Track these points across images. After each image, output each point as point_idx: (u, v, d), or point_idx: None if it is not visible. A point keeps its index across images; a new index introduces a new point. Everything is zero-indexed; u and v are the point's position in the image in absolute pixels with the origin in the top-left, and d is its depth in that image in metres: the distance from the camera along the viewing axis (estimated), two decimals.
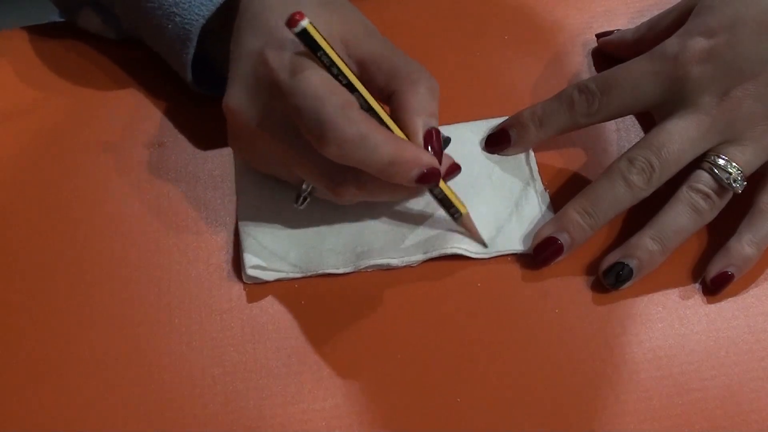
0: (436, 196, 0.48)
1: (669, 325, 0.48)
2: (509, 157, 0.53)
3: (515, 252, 0.50)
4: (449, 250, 0.49)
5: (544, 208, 0.51)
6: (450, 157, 0.48)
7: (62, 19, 0.61)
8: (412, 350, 0.47)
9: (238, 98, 0.46)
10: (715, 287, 0.48)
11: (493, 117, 0.55)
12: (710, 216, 0.49)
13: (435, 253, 0.49)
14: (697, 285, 0.49)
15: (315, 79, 0.43)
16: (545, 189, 0.52)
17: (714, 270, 0.49)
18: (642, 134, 0.55)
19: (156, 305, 0.48)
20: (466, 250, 0.49)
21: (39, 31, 0.60)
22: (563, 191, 0.53)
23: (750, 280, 0.49)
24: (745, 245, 0.48)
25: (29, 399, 0.45)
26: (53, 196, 0.52)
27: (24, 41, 0.60)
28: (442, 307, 0.48)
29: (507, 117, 0.54)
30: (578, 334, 0.47)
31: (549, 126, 0.52)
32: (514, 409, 0.45)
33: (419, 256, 0.49)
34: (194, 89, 0.54)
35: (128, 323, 0.47)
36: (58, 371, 0.46)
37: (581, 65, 0.58)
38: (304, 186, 0.47)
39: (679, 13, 0.53)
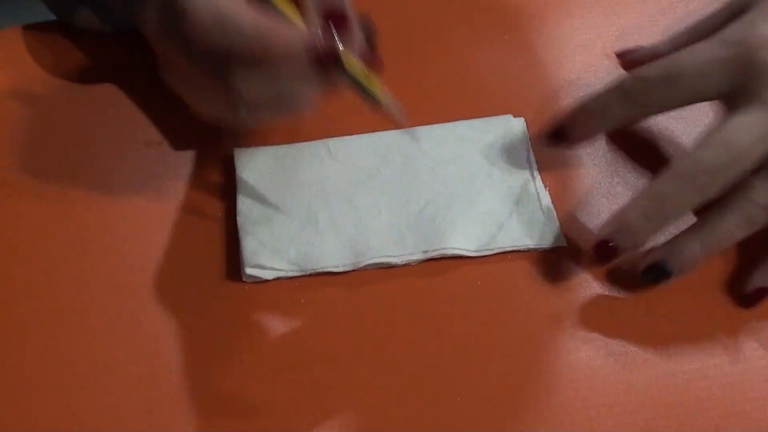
0: (351, 82, 0.45)
1: (669, 324, 0.47)
2: (509, 156, 0.53)
3: (516, 249, 0.50)
4: (449, 251, 0.49)
5: (544, 206, 0.51)
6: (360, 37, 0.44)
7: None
8: (411, 349, 0.46)
9: (149, 18, 0.45)
10: (752, 301, 0.47)
11: (492, 115, 0.55)
12: (757, 227, 0.45)
13: (435, 254, 0.49)
14: (694, 282, 0.49)
15: None
16: (545, 187, 0.52)
17: (754, 284, 0.47)
18: (645, 133, 0.54)
19: (155, 305, 0.48)
20: (466, 250, 0.49)
21: (36, 30, 0.60)
22: (564, 190, 0.53)
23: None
24: None
25: (28, 399, 0.45)
26: (51, 196, 0.52)
27: (22, 40, 0.59)
28: (443, 306, 0.48)
29: (508, 115, 0.54)
30: (578, 333, 0.47)
31: (604, 120, 0.49)
32: (514, 408, 0.45)
33: (419, 255, 0.49)
34: None
35: (127, 323, 0.47)
36: (57, 372, 0.46)
37: (586, 66, 0.58)
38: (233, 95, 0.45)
39: (729, 14, 0.48)
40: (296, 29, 0.42)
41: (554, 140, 0.52)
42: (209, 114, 0.48)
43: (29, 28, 0.60)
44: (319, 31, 0.42)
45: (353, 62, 0.44)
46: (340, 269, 0.49)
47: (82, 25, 0.58)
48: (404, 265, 0.49)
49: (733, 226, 0.45)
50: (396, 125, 0.46)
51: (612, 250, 0.46)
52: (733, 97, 0.45)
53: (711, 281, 0.49)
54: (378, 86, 0.45)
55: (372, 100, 0.45)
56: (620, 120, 0.49)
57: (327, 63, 0.42)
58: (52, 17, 0.61)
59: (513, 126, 0.54)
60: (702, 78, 0.45)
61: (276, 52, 0.41)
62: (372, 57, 0.45)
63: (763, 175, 0.45)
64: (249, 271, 0.48)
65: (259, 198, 0.51)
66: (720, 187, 0.44)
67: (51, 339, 0.47)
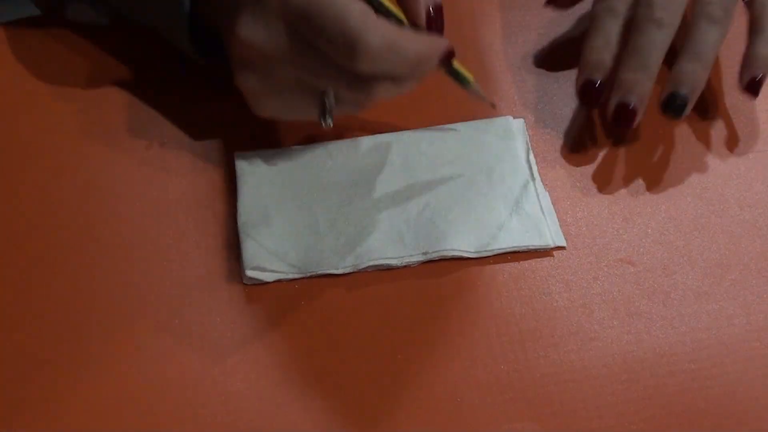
0: (446, 71, 0.49)
1: (669, 324, 0.48)
2: (509, 157, 0.53)
3: (516, 250, 0.50)
4: (449, 253, 0.49)
5: (544, 206, 0.51)
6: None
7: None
8: (411, 350, 0.47)
9: (249, 25, 0.45)
10: (752, 92, 0.52)
11: (492, 116, 0.55)
12: (727, 23, 0.52)
13: (434, 255, 0.49)
14: (695, 282, 0.49)
15: None
16: (545, 188, 0.52)
17: (745, 79, 0.52)
18: (644, 133, 0.55)
19: (156, 305, 0.48)
20: (466, 251, 0.49)
21: (35, 28, 0.60)
22: (564, 190, 0.53)
23: (750, 277, 0.49)
24: (761, 48, 0.52)
25: (27, 399, 0.45)
26: (52, 196, 0.52)
27: (19, 38, 0.59)
28: (442, 307, 0.48)
29: (508, 116, 0.55)
30: (578, 333, 0.47)
31: (613, 42, 0.53)
32: (514, 408, 0.45)
33: (419, 257, 0.49)
34: (192, 55, 0.53)
35: (128, 323, 0.47)
36: (57, 372, 0.46)
37: None
38: (327, 100, 0.46)
39: None
40: (433, 39, 0.45)
41: (588, 99, 0.54)
42: (281, 116, 0.50)
43: (28, 25, 0.60)
44: (443, 38, 0.46)
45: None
46: (340, 271, 0.49)
47: (75, 19, 0.57)
48: (404, 266, 0.49)
49: (702, 31, 0.51)
50: (486, 104, 0.51)
51: (630, 113, 0.51)
52: None
53: (712, 286, 0.49)
54: (465, 70, 0.49)
55: (463, 81, 0.49)
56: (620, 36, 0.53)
57: (445, 62, 0.46)
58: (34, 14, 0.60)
59: (513, 126, 0.54)
60: None
61: (424, 68, 0.45)
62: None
63: None
64: (249, 273, 0.48)
65: (260, 200, 0.51)
66: (677, 16, 0.51)
67: (50, 339, 0.47)
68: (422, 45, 0.44)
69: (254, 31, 0.45)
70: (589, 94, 0.53)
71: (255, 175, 0.52)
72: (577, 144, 0.54)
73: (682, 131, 0.54)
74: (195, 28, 0.52)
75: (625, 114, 0.51)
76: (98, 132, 0.55)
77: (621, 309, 0.48)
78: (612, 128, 0.54)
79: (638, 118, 0.51)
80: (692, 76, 0.51)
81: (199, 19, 0.52)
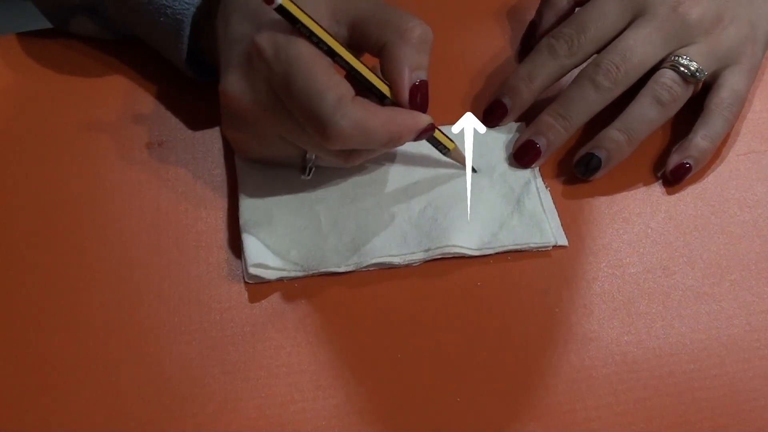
0: (426, 139, 0.50)
1: (669, 324, 0.48)
2: (510, 156, 0.53)
3: (517, 249, 0.50)
4: (451, 250, 0.49)
5: (545, 205, 0.51)
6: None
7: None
8: (412, 349, 0.47)
9: (236, 83, 0.46)
10: (674, 178, 0.53)
11: None
12: (673, 108, 0.52)
13: (436, 253, 0.49)
14: (694, 282, 0.49)
15: (311, 74, 0.44)
16: (546, 186, 0.52)
17: (673, 162, 0.52)
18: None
19: (156, 305, 0.48)
20: (468, 248, 0.49)
21: (35, 33, 0.60)
22: (564, 188, 0.53)
23: (750, 277, 0.49)
24: (699, 139, 0.52)
25: (26, 398, 0.45)
26: (52, 196, 0.52)
27: (20, 43, 0.60)
28: (443, 306, 0.48)
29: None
30: (578, 333, 0.47)
31: (538, 78, 0.54)
32: (514, 408, 0.45)
33: (420, 255, 0.49)
34: (192, 77, 0.55)
35: (128, 323, 0.47)
36: (57, 371, 0.46)
37: None
38: (308, 155, 0.49)
39: None
40: (411, 117, 0.46)
41: (494, 118, 0.55)
42: (264, 161, 0.52)
43: (26, 35, 0.60)
44: (423, 115, 0.47)
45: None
46: (343, 269, 0.49)
47: (78, 33, 0.59)
48: (406, 265, 0.49)
49: (646, 109, 0.52)
50: (464, 166, 0.53)
51: (535, 151, 0.53)
52: (631, 23, 0.53)
53: (714, 285, 0.49)
54: (446, 138, 0.51)
55: (442, 149, 0.51)
56: (551, 75, 0.54)
57: (424, 137, 0.48)
58: (48, 25, 0.61)
59: (514, 128, 0.55)
60: (605, 18, 0.53)
61: (398, 144, 0.47)
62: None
63: (667, 64, 0.52)
64: (252, 270, 0.48)
65: (261, 199, 0.51)
66: (619, 85, 0.52)
67: (50, 339, 0.47)
68: (396, 125, 0.45)
69: (241, 89, 0.46)
70: (492, 113, 0.55)
71: (256, 173, 0.52)
72: (578, 143, 0.54)
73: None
74: (192, 51, 0.54)
75: (530, 151, 0.53)
76: (99, 132, 0.55)
77: (621, 309, 0.48)
78: None
79: (541, 160, 0.53)
80: (614, 146, 0.52)
81: (196, 42, 0.54)
